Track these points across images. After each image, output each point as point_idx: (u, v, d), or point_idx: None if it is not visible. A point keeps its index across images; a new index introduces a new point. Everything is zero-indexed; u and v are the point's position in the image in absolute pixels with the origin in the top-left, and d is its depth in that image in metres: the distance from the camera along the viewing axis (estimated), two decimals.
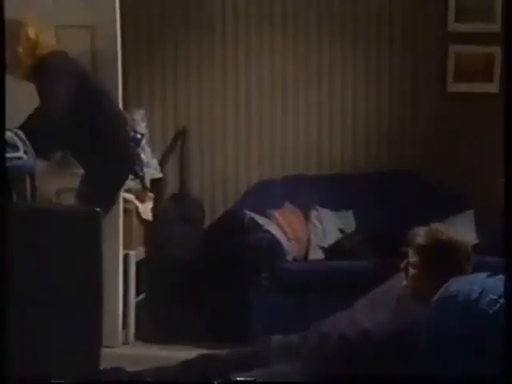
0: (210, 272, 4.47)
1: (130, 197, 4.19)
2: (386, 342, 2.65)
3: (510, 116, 2.12)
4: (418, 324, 2.58)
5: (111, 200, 3.79)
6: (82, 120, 3.60)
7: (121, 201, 3.85)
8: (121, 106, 3.81)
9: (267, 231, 4.14)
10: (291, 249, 4.21)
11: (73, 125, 3.57)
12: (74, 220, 2.86)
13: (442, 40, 4.74)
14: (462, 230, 4.33)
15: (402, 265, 2.86)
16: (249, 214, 4.24)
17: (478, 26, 4.69)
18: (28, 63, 3.56)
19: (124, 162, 3.83)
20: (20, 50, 3.54)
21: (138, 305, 4.23)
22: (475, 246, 4.28)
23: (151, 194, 4.37)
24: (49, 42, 3.61)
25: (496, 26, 4.68)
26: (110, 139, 3.68)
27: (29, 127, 3.48)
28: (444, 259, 2.75)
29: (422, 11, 4.71)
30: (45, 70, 3.52)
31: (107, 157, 3.67)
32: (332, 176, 4.71)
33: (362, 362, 2.67)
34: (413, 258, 2.82)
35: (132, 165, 3.96)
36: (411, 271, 2.82)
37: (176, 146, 4.76)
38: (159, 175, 4.56)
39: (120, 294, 3.90)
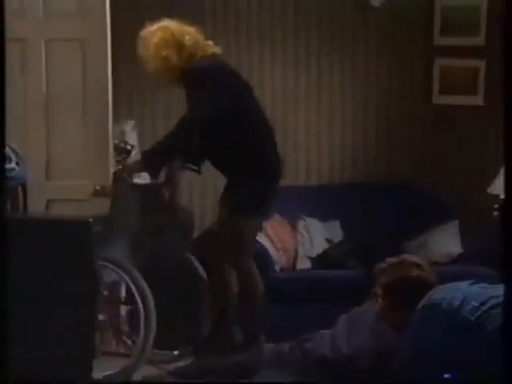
0: (198, 282, 4.49)
1: None
2: (363, 367, 2.72)
3: (510, 121, 2.17)
4: (390, 348, 2.65)
5: (268, 208, 3.70)
6: (231, 125, 3.52)
7: None
8: (111, 117, 3.84)
9: (256, 241, 4.20)
10: (279, 258, 4.26)
11: (222, 130, 3.50)
12: (65, 230, 2.89)
13: (428, 53, 4.82)
14: (448, 240, 4.42)
15: (372, 291, 2.90)
16: None
17: (463, 39, 4.77)
18: (180, 66, 3.53)
19: (275, 169, 3.65)
20: (171, 53, 3.53)
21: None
22: (460, 255, 4.37)
23: None
24: (201, 45, 3.60)
25: (480, 40, 4.76)
26: (259, 146, 3.57)
27: (180, 135, 3.46)
28: (406, 296, 2.74)
29: (408, 25, 4.78)
30: (200, 73, 3.48)
31: (257, 165, 3.56)
32: (319, 187, 4.76)
33: (343, 381, 2.74)
34: (378, 289, 2.86)
35: (280, 171, 3.69)
36: (378, 300, 2.86)
37: None
38: None
39: None
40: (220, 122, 3.46)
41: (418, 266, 2.82)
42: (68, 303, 2.75)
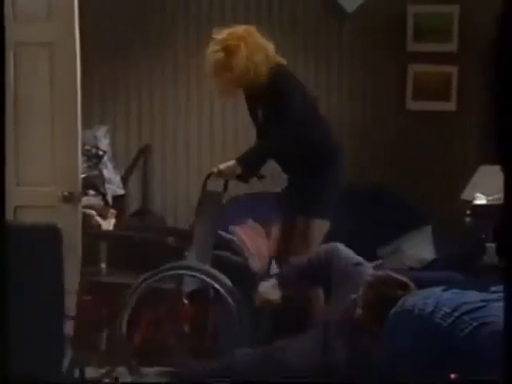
0: None
1: (92, 213, 4.16)
2: (339, 375, 2.71)
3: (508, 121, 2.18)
4: (367, 355, 2.64)
5: (331, 209, 3.70)
6: (301, 131, 3.55)
7: (80, 217, 3.83)
8: (80, 122, 3.78)
9: (231, 247, 4.15)
10: (253, 264, 4.23)
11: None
12: (34, 236, 2.86)
13: (402, 59, 4.83)
14: (421, 245, 4.42)
15: (352, 297, 2.88)
16: None
17: (436, 45, 4.78)
18: (265, 75, 3.51)
19: (340, 170, 3.71)
20: (260, 60, 3.50)
21: None
22: (433, 261, 4.37)
23: (113, 211, 4.32)
24: (274, 53, 3.60)
25: (453, 46, 4.78)
26: (321, 149, 3.61)
27: (272, 147, 3.51)
28: (386, 311, 2.68)
29: (381, 31, 4.78)
30: (282, 83, 3.51)
31: (322, 167, 3.61)
32: None
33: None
34: (359, 299, 2.83)
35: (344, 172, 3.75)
36: (358, 309, 2.84)
37: (139, 163, 4.75)
38: (122, 192, 4.53)
39: None
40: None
41: (403, 286, 2.79)
42: (36, 306, 2.73)
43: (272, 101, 3.53)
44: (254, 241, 4.35)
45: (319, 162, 3.60)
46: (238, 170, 3.53)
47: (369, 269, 3.04)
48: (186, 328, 3.48)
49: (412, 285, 2.82)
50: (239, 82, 3.57)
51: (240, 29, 3.57)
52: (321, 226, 3.64)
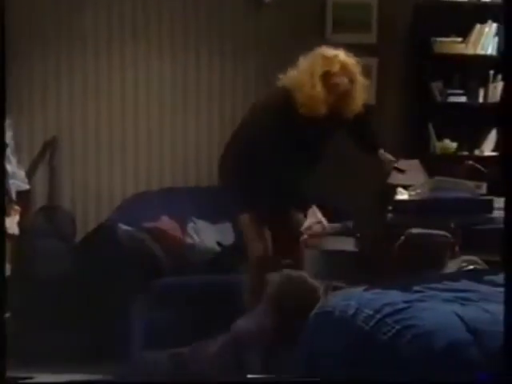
0: (82, 289, 4.26)
1: None
2: None
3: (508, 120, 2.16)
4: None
5: None
6: None
7: None
8: None
9: (143, 245, 4.03)
10: (168, 262, 4.08)
11: None
12: None
13: None
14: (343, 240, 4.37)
15: (262, 309, 2.78)
16: (123, 227, 4.10)
17: (355, 36, 4.72)
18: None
19: None
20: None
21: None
22: None
23: (17, 207, 4.16)
24: None
25: (372, 37, 4.74)
26: None
27: None
28: (295, 311, 2.62)
29: (300, 22, 4.70)
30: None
31: None
32: (210, 188, 4.62)
33: None
34: (269, 301, 2.73)
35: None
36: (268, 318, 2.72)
37: (45, 157, 4.54)
38: (26, 187, 4.35)
39: None
40: None
41: (313, 291, 2.69)
42: None
43: (360, 128, 3.70)
44: (169, 237, 4.23)
45: None
46: None
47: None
48: None
49: (321, 288, 2.73)
50: (341, 109, 3.53)
51: (343, 50, 3.51)
52: None
